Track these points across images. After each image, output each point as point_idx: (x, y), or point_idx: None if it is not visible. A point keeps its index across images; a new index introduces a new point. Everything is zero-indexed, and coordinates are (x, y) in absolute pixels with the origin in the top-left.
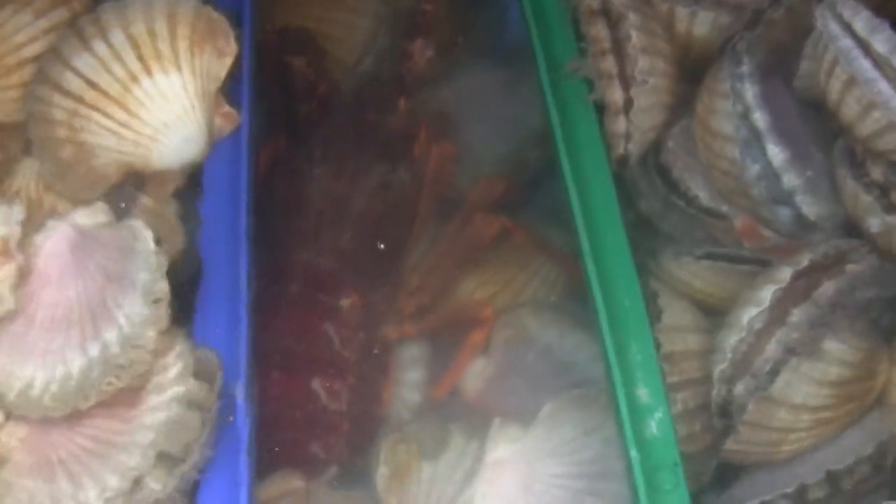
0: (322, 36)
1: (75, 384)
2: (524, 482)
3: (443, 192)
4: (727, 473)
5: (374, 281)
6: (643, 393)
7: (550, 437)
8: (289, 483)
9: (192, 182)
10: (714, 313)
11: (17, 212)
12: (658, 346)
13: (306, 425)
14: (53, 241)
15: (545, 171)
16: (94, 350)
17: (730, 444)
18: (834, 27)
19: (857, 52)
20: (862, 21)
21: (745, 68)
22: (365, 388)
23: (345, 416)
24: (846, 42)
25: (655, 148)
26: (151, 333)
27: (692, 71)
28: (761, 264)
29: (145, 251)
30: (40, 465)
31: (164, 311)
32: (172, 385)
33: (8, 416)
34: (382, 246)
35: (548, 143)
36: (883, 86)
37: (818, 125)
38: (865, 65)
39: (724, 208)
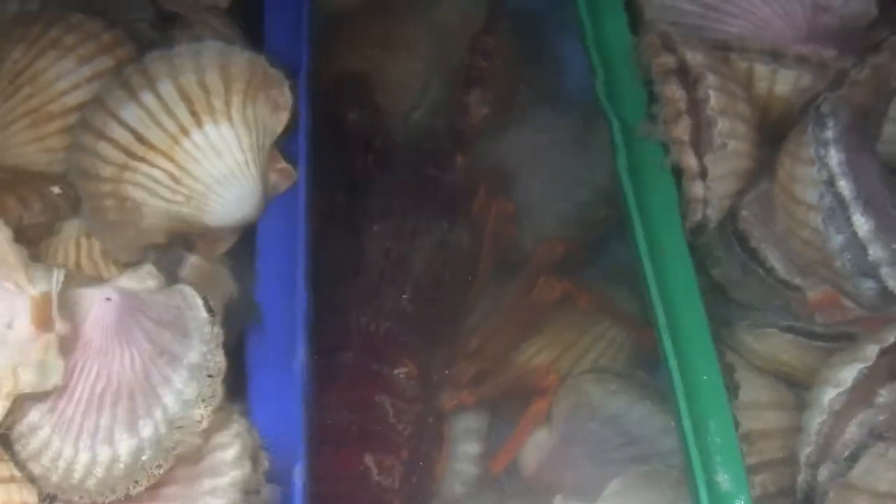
0: (378, 86)
1: (123, 468)
2: None
3: (503, 252)
4: None
5: (430, 347)
6: (723, 479)
7: None
8: None
9: (245, 242)
10: (797, 388)
11: (59, 275)
12: (737, 424)
13: (356, 502)
14: (98, 308)
15: (611, 231)
16: (145, 430)
17: None
18: None
19: None
20: None
21: (831, 133)
22: (418, 462)
23: (397, 493)
24: None
25: (732, 215)
26: (203, 412)
27: (771, 133)
28: (843, 339)
29: (197, 319)
30: None
31: (217, 387)
32: (231, 469)
33: (52, 500)
34: (440, 309)
35: (611, 204)
36: None
37: None
38: None
39: (798, 281)
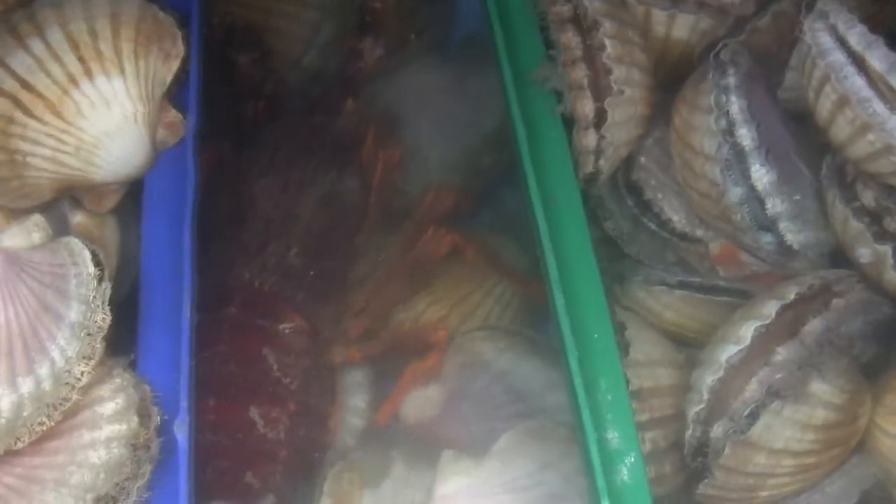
0: (268, 30)
1: (5, 423)
2: None
3: (391, 201)
4: None
5: (319, 300)
6: (613, 436)
7: (506, 471)
8: None
9: (134, 196)
10: (687, 346)
11: None
12: (627, 382)
13: (243, 454)
14: None
15: (499, 178)
16: (25, 386)
17: (704, 489)
18: (825, 40)
19: (850, 69)
20: (857, 35)
21: (732, 79)
22: (307, 415)
23: (283, 444)
24: (838, 57)
25: (626, 164)
26: (84, 369)
27: (669, 78)
28: (738, 296)
29: (83, 276)
30: None
31: (97, 344)
32: (111, 422)
33: None
34: (328, 262)
35: (503, 149)
36: (878, 106)
37: (805, 139)
38: (860, 83)
39: (700, 233)
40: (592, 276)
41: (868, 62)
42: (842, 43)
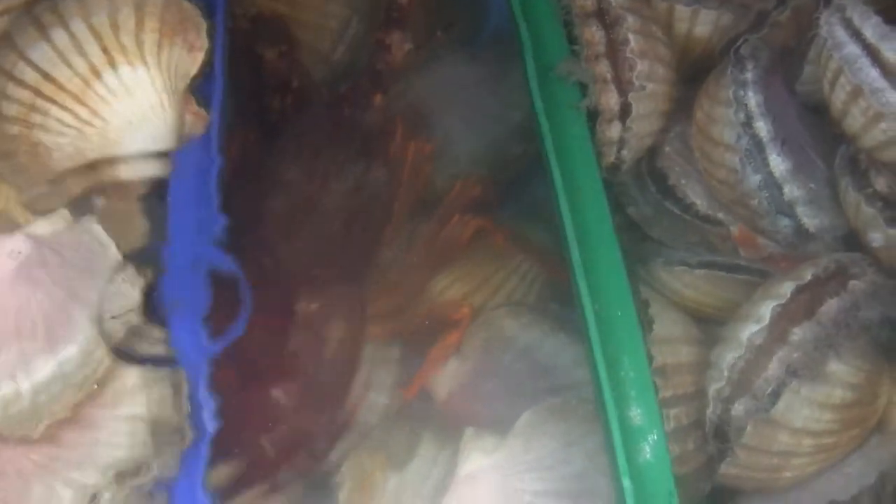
0: (295, 23)
1: (28, 404)
2: (501, 497)
3: (419, 191)
4: (721, 498)
5: (347, 282)
6: (636, 413)
7: (529, 449)
8: (245, 495)
9: (162, 182)
10: (708, 324)
11: None
12: (650, 359)
13: (267, 431)
14: (7, 250)
15: (526, 168)
16: (49, 367)
17: (726, 468)
18: (840, 33)
19: (864, 61)
20: (871, 27)
21: (750, 75)
22: (331, 393)
23: (307, 421)
24: (853, 49)
25: (650, 153)
26: (106, 352)
27: (691, 72)
28: (759, 275)
29: (107, 260)
30: None
31: (121, 326)
32: (133, 401)
33: None
34: (355, 248)
35: (530, 141)
36: (891, 96)
37: (820, 131)
38: (873, 74)
39: (721, 215)
40: (614, 257)
41: (882, 53)
42: (857, 35)
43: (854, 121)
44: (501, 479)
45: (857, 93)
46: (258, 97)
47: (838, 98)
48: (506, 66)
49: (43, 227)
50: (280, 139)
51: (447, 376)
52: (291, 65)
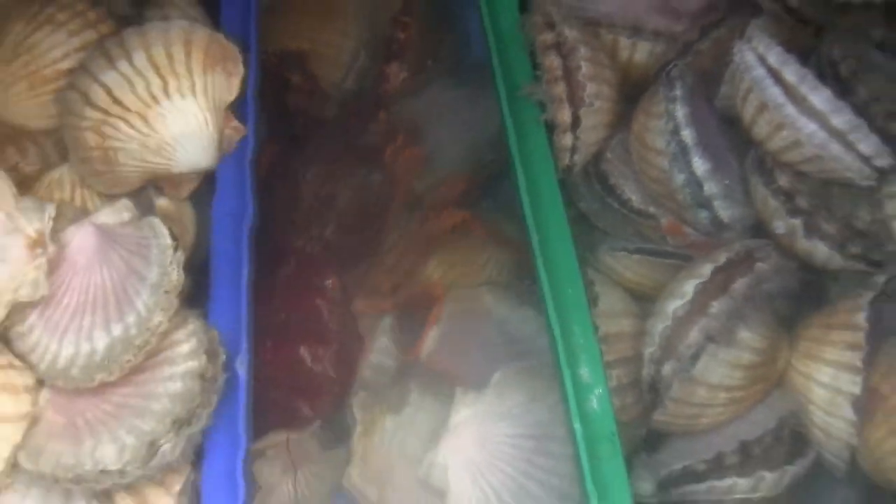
0: (313, 56)
1: (99, 360)
2: (480, 441)
3: (413, 188)
4: (654, 440)
5: (354, 264)
6: (585, 372)
7: (502, 402)
8: (277, 438)
9: (206, 183)
10: (643, 300)
11: (50, 209)
12: (596, 329)
13: (295, 386)
14: (81, 236)
15: (499, 171)
16: (116, 331)
17: (657, 416)
18: (750, 59)
19: (769, 82)
20: (774, 55)
21: (678, 92)
22: (344, 353)
23: (327, 378)
24: (760, 72)
25: (595, 158)
26: (161, 318)
27: (631, 92)
28: (683, 259)
29: (162, 246)
30: (67, 426)
31: (174, 299)
32: (185, 360)
33: (41, 384)
34: (360, 236)
35: (501, 149)
36: (791, 110)
37: (734, 138)
38: (776, 92)
39: (652, 209)
40: (567, 244)
41: (783, 76)
42: (763, 61)
43: (761, 129)
44: (481, 426)
45: (763, 107)
46: (284, 115)
47: (748, 111)
48: (482, 89)
49: (111, 216)
50: (302, 148)
51: (433, 341)
52: (311, 89)
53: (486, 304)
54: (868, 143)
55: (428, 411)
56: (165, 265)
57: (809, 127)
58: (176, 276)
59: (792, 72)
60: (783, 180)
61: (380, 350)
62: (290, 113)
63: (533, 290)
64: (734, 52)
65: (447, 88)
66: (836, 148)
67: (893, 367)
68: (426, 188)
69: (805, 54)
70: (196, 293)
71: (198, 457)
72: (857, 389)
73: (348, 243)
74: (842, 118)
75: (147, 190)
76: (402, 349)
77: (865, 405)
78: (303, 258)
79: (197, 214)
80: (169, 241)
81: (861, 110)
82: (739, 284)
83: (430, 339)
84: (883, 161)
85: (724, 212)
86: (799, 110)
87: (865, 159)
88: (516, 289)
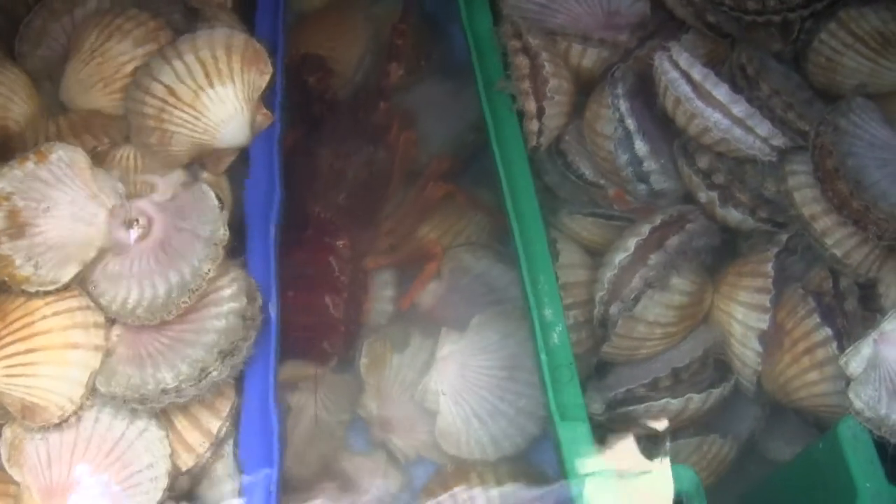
0: (329, 58)
1: (161, 302)
2: (462, 371)
3: (409, 165)
4: (602, 368)
5: (361, 227)
6: (548, 313)
7: (480, 339)
8: (305, 369)
9: (240, 160)
10: (595, 254)
11: (120, 187)
12: (557, 278)
13: (317, 327)
14: (146, 201)
15: (478, 150)
16: (174, 278)
17: (605, 349)
18: (666, 65)
19: (681, 81)
20: (684, 59)
21: (620, 89)
22: (355, 301)
23: (341, 321)
24: (674, 74)
25: (556, 140)
26: (210, 267)
27: (582, 88)
28: (627, 221)
29: (210, 206)
30: (134, 357)
31: (220, 251)
32: (228, 301)
33: (113, 322)
34: (367, 204)
35: (479, 132)
36: (699, 103)
37: (664, 127)
38: (687, 89)
39: (602, 181)
40: (535, 209)
41: (692, 76)
42: (676, 65)
43: (680, 119)
44: (463, 357)
45: (678, 101)
46: (305, 105)
47: (669, 105)
48: (462, 85)
49: (168, 184)
50: (319, 132)
51: (429, 293)
52: (326, 84)
53: (466, 260)
54: (763, 127)
55: (426, 351)
56: (214, 222)
57: (715, 116)
58: (222, 232)
59: (697, 72)
60: (703, 161)
61: (382, 299)
62: (309, 103)
63: (505, 249)
64: (654, 58)
65: (435, 84)
66: (738, 132)
67: (794, 307)
68: (419, 164)
69: (722, 61)
70: (235, 247)
71: (240, 380)
72: (764, 325)
73: (357, 209)
74: (739, 107)
75: (193, 165)
76: (399, 298)
77: (771, 338)
78: (319, 222)
79: (233, 184)
80: (216, 202)
81: (764, 102)
82: (672, 241)
83: (430, 291)
84: (778, 141)
85: (659, 185)
86: (705, 103)
87: (764, 140)
88: (493, 248)
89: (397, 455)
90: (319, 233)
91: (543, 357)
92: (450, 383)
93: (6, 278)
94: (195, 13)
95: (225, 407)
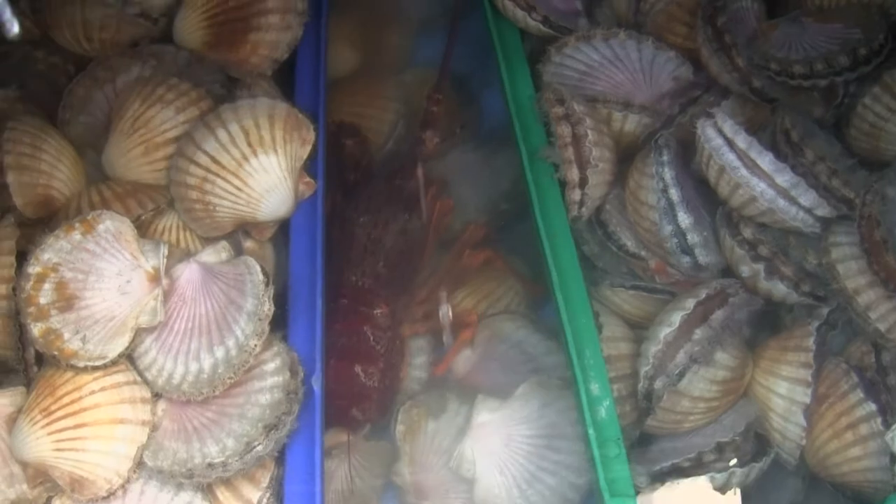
0: (364, 127)
1: (206, 377)
2: (504, 440)
3: (443, 233)
4: (646, 440)
5: (396, 295)
6: (595, 387)
7: (521, 408)
8: (338, 437)
9: (283, 230)
10: (637, 327)
11: (164, 249)
12: (602, 351)
13: (350, 396)
14: (189, 272)
15: (514, 218)
16: (219, 353)
17: (650, 422)
18: (710, 132)
19: (725, 149)
20: (729, 127)
21: (665, 157)
22: (391, 369)
23: (376, 389)
24: (718, 141)
25: (597, 210)
26: (256, 342)
27: (623, 155)
28: (670, 294)
29: (256, 280)
30: (180, 431)
31: (266, 326)
32: (272, 375)
33: (159, 396)
34: (402, 271)
35: (512, 200)
36: (744, 172)
37: (707, 196)
38: (731, 157)
39: (644, 253)
40: (579, 282)
41: (736, 144)
42: (721, 133)
43: (723, 189)
44: (504, 427)
45: (722, 170)
46: (342, 172)
47: (712, 174)
48: (496, 152)
49: (211, 255)
50: (356, 199)
51: (463, 360)
52: (362, 151)
53: (505, 329)
54: (807, 197)
55: (462, 417)
56: (259, 296)
57: (760, 186)
58: (268, 307)
59: (742, 140)
60: (747, 232)
61: (417, 366)
62: (346, 170)
63: (542, 318)
64: (697, 125)
65: (468, 150)
66: (782, 203)
67: (836, 381)
68: (454, 232)
69: (762, 126)
70: (277, 319)
71: (283, 454)
72: (808, 400)
73: (392, 277)
74: (784, 177)
75: (237, 233)
76: (434, 365)
77: (813, 412)
78: (357, 290)
79: (277, 254)
80: (261, 276)
81: (808, 168)
82: (717, 315)
83: (464, 359)
84: (822, 211)
85: (703, 258)
86: (751, 172)
87: (807, 210)
88: (530, 316)
89: None
90: (355, 302)
91: (591, 432)
92: (489, 451)
93: (56, 352)
94: (235, 82)
95: (264, 478)
